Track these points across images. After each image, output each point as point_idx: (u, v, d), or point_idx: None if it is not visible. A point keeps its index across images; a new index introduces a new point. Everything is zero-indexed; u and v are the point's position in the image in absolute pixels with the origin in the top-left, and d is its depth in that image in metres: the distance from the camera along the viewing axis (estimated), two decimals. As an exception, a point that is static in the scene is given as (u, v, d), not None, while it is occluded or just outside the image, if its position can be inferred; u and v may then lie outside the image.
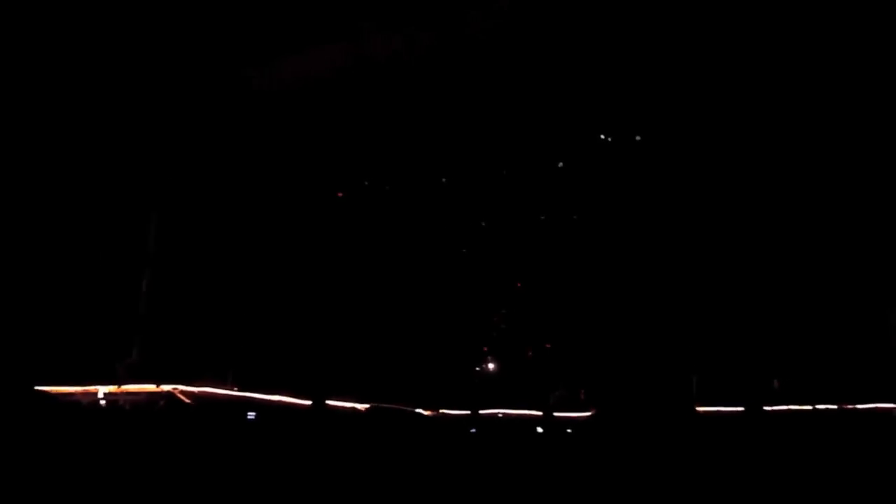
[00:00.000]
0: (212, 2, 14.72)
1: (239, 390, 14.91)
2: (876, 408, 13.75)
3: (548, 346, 20.14)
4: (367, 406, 15.13)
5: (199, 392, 13.41)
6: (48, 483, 4.11)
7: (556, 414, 14.92)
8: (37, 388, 12.67)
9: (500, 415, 15.65)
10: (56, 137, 15.25)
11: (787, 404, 14.30)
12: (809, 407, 14.33)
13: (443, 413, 16.69)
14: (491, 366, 20.44)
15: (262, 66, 16.92)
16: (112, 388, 13.16)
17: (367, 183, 19.47)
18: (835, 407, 14.01)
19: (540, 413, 15.42)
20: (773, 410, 13.22)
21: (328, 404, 14.58)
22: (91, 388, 13.23)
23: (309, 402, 13.40)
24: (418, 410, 15.35)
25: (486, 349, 20.78)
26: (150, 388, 13.04)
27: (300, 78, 16.98)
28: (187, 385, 13.36)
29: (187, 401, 12.80)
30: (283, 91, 17.30)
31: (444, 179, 19.15)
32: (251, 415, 12.93)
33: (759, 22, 13.89)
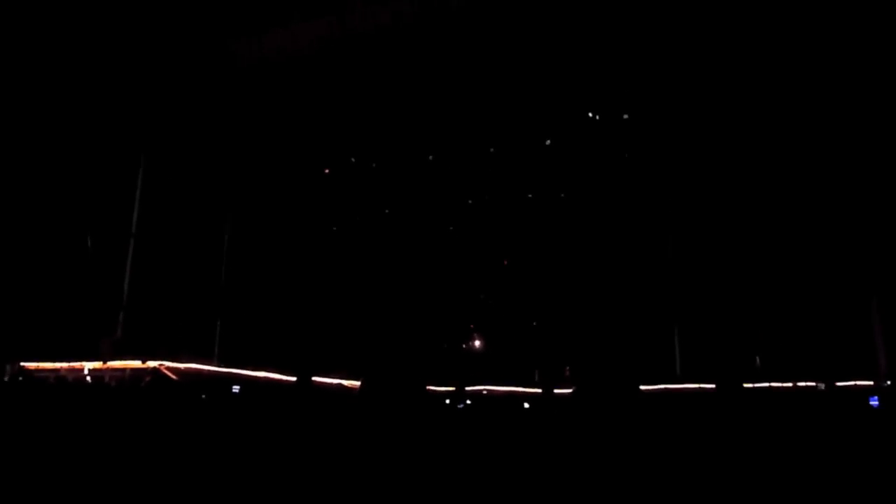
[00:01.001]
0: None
1: (224, 366, 14.95)
2: (854, 385, 14.01)
3: (533, 323, 20.29)
4: (348, 382, 15.19)
5: (185, 368, 13.45)
6: (35, 461, 4.12)
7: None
8: (22, 364, 12.65)
9: (484, 391, 15.77)
10: (40, 118, 15.02)
11: (768, 381, 14.50)
12: (790, 384, 14.55)
13: (429, 389, 16.79)
14: (477, 343, 20.57)
15: (248, 40, 16.71)
16: (97, 365, 13.16)
17: (353, 160, 19.39)
18: (814, 384, 14.23)
19: (525, 389, 15.56)
20: (753, 387, 13.41)
21: (314, 381, 14.58)
22: (77, 365, 13.22)
23: (294, 379, 13.44)
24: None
25: (472, 326, 20.89)
26: (136, 364, 13.06)
27: (285, 52, 16.78)
28: (172, 361, 13.40)
29: (173, 377, 12.82)
30: (268, 65, 17.10)
31: (430, 157, 19.10)
32: (236, 388, 13.01)
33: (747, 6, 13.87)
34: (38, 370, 12.97)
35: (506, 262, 20.75)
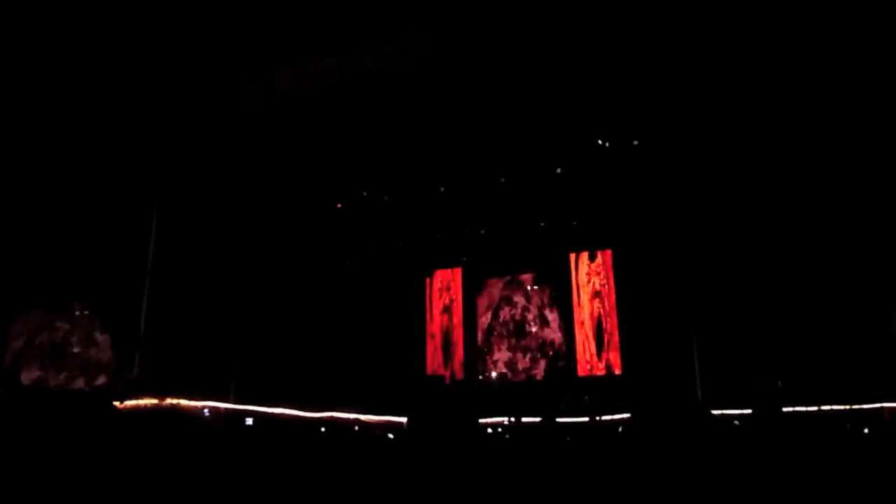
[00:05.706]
0: (207, 12, 14.69)
1: (241, 403, 14.87)
2: (880, 407, 13.73)
3: (550, 353, 20.09)
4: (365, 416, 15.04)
5: (202, 406, 13.39)
6: (54, 496, 4.08)
7: (560, 420, 14.87)
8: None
9: (506, 422, 15.58)
10: (56, 154, 15.22)
11: (791, 405, 14.23)
12: (815, 408, 14.29)
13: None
14: (494, 374, 20.41)
15: (257, 79, 16.92)
16: (115, 404, 13.10)
17: (365, 193, 19.48)
18: (839, 407, 13.98)
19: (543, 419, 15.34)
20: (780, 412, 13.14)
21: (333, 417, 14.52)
22: (93, 405, 13.15)
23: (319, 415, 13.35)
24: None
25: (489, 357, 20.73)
26: (153, 402, 13.01)
27: (294, 90, 16.98)
28: (189, 399, 13.34)
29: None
30: (278, 104, 17.28)
31: (441, 188, 19.15)
32: (249, 421, 12.97)
33: (755, 18, 13.83)
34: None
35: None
